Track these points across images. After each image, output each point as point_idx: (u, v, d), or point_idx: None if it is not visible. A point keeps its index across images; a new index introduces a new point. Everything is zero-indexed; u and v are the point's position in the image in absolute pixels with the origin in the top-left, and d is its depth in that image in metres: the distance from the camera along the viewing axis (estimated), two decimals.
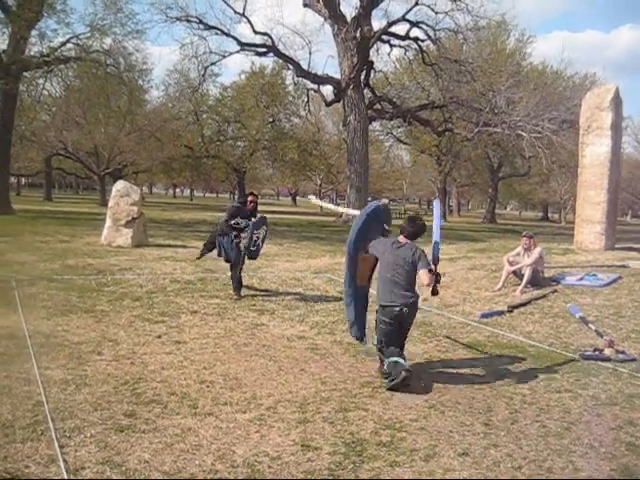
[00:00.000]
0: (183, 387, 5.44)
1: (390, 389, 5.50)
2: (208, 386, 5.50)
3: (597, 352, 6.80)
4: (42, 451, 4.05)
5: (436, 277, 5.80)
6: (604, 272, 10.78)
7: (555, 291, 9.87)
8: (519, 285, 10.17)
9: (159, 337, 7.19)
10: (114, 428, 4.46)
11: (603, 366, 6.45)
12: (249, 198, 10.40)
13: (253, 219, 10.07)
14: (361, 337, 6.38)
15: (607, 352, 6.75)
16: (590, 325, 7.60)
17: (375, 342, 6.01)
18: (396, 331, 5.79)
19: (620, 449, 4.41)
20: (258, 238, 10.03)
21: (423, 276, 5.71)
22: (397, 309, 5.71)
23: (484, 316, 8.82)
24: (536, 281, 10.26)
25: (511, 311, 9.02)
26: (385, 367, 5.69)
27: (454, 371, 6.28)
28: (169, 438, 4.34)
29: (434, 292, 5.83)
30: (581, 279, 10.34)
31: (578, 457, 4.27)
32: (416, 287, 5.93)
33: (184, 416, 4.77)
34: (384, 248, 5.94)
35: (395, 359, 5.59)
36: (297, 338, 7.44)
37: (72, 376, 5.56)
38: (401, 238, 6.02)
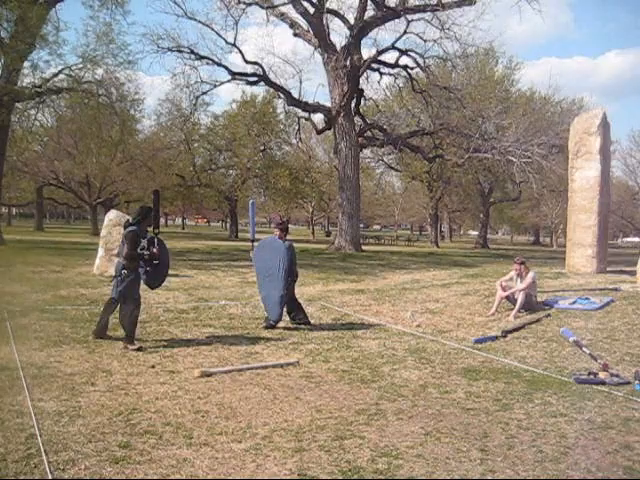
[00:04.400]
0: (178, 417, 5.40)
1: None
2: (203, 416, 5.47)
3: (592, 376, 6.81)
4: None
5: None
6: (596, 295, 10.82)
7: (548, 315, 9.89)
8: (512, 310, 10.19)
9: (153, 367, 7.15)
10: (109, 460, 4.41)
11: (598, 390, 6.45)
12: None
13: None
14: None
15: (602, 375, 6.76)
16: (584, 349, 7.61)
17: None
18: None
19: (617, 473, 4.40)
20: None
21: None
22: None
23: (478, 341, 8.83)
24: (529, 306, 10.29)
25: (505, 336, 9.03)
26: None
27: (449, 397, 6.26)
28: (165, 469, 4.30)
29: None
30: (574, 303, 10.37)
31: None
32: None
33: (179, 447, 4.73)
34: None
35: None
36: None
37: (65, 407, 5.51)
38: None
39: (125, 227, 8.73)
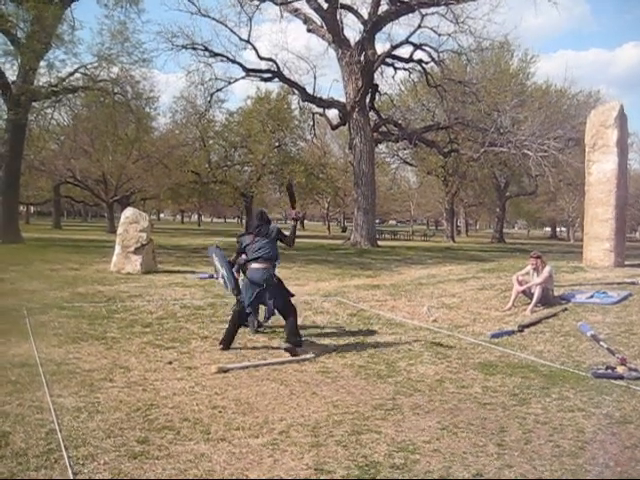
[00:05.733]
0: (195, 413, 5.44)
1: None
2: (220, 411, 5.50)
3: (609, 370, 6.77)
4: (56, 479, 4.05)
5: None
6: (614, 289, 10.74)
7: (565, 309, 9.83)
8: (529, 304, 10.13)
9: (170, 363, 7.19)
10: (127, 455, 4.46)
11: (616, 384, 6.41)
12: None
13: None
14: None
15: (619, 370, 6.71)
16: (602, 343, 7.57)
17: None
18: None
19: (636, 468, 4.37)
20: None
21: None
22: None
23: (495, 336, 8.80)
24: (546, 300, 10.23)
25: (522, 331, 8.99)
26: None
27: (466, 392, 6.25)
28: (182, 464, 4.33)
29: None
30: (591, 297, 10.29)
31: (593, 477, 4.24)
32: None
33: (197, 442, 4.76)
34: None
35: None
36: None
37: (84, 403, 5.57)
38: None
39: (260, 226, 8.23)
